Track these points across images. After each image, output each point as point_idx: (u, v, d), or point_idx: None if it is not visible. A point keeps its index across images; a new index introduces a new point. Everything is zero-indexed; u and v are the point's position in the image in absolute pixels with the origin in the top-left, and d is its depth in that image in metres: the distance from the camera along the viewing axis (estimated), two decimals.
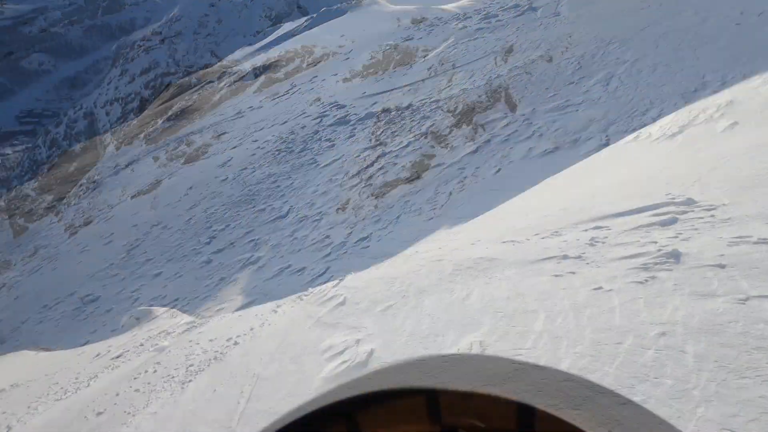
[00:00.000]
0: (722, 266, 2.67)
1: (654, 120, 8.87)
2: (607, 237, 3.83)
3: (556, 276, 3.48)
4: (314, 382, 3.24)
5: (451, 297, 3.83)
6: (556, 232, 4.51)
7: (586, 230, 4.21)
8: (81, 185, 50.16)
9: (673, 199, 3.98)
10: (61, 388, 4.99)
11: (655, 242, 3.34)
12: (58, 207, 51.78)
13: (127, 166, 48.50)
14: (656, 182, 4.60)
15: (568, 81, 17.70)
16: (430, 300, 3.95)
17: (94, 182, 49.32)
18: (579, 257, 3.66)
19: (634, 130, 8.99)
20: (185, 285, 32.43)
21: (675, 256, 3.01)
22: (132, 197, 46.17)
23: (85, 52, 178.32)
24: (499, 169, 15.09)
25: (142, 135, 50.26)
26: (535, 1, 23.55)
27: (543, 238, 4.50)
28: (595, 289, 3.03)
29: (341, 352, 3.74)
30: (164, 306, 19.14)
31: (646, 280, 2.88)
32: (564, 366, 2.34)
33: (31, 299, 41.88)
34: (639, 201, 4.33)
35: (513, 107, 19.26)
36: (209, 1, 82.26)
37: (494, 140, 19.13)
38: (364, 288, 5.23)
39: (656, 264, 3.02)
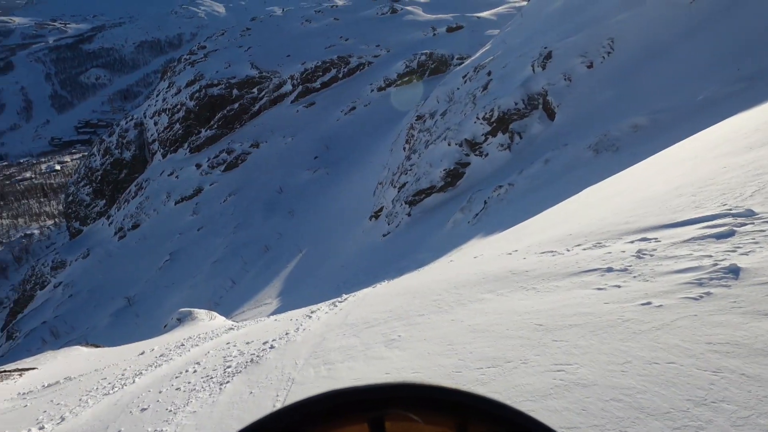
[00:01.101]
0: None
1: (709, 126, 8.37)
2: (655, 249, 3.63)
3: (600, 289, 3.33)
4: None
5: (485, 308, 3.74)
6: (599, 243, 4.32)
7: (632, 242, 4.01)
8: (130, 191, 53.13)
9: (730, 210, 3.72)
10: (109, 383, 5.26)
11: (710, 256, 3.13)
12: (109, 211, 55.02)
13: (171, 173, 50.97)
14: (710, 192, 4.33)
15: (611, 86, 17.07)
16: (463, 311, 3.87)
17: (141, 188, 52.11)
18: (625, 270, 3.49)
19: (685, 137, 8.52)
20: (224, 287, 33.50)
21: (733, 272, 2.81)
22: (176, 203, 48.39)
23: (136, 67, 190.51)
24: (537, 177, 14.70)
25: (186, 144, 52.74)
26: (573, 5, 22.96)
27: (585, 249, 4.32)
28: (643, 304, 2.87)
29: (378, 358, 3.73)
30: (204, 307, 19.82)
31: (701, 296, 2.70)
32: (612, 385, 2.22)
33: (84, 298, 44.51)
34: (691, 212, 4.08)
35: (551, 114, 18.77)
36: (250, 15, 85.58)
37: (531, 147, 18.69)
38: (391, 300, 5.20)
39: (712, 279, 2.83)
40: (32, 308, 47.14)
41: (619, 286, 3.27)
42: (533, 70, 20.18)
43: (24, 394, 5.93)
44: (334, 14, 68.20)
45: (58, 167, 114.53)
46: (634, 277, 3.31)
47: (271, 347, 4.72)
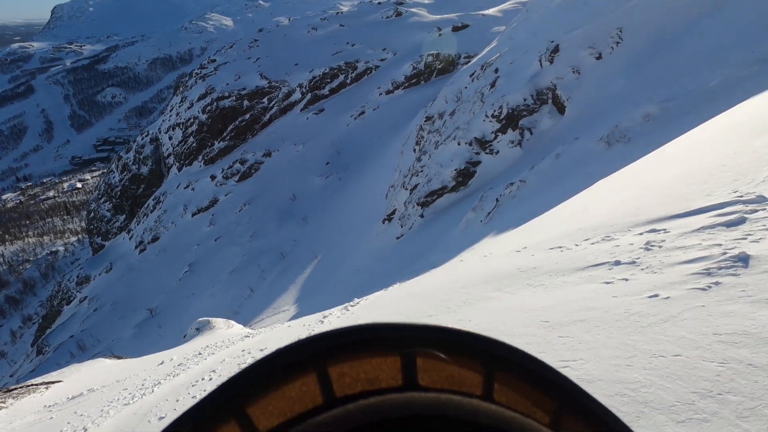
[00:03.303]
0: None
1: (721, 111, 8.16)
2: (664, 240, 3.56)
3: (607, 283, 3.28)
4: None
5: (492, 306, 3.71)
6: (608, 236, 4.26)
7: (640, 234, 3.94)
8: (148, 205, 54.38)
9: (741, 196, 3.63)
10: (129, 393, 5.40)
11: (720, 245, 3.05)
12: (130, 226, 56.36)
13: (187, 185, 51.98)
14: (721, 179, 4.23)
15: (621, 76, 16.78)
16: (471, 311, 3.85)
17: (159, 202, 53.27)
18: (633, 263, 3.43)
19: (698, 124, 8.32)
20: (243, 296, 33.94)
21: (742, 260, 2.74)
22: (193, 215, 49.30)
23: (150, 83, 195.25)
24: (548, 173, 14.52)
25: (200, 156, 53.76)
26: None
27: (593, 243, 4.26)
28: (650, 296, 2.82)
29: None
30: (223, 317, 20.09)
31: (710, 287, 2.64)
32: (616, 380, 2.19)
33: (108, 311, 45.60)
34: (701, 200, 3.99)
35: (561, 108, 18.54)
36: (258, 27, 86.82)
37: (542, 143, 18.49)
38: (401, 302, 5.21)
39: (721, 268, 2.76)
40: (60, 323, 48.51)
41: (626, 279, 3.22)
42: (541, 64, 19.98)
43: (50, 406, 6.13)
44: (339, 21, 68.73)
45: (79, 185, 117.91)
46: (642, 269, 3.26)
47: None
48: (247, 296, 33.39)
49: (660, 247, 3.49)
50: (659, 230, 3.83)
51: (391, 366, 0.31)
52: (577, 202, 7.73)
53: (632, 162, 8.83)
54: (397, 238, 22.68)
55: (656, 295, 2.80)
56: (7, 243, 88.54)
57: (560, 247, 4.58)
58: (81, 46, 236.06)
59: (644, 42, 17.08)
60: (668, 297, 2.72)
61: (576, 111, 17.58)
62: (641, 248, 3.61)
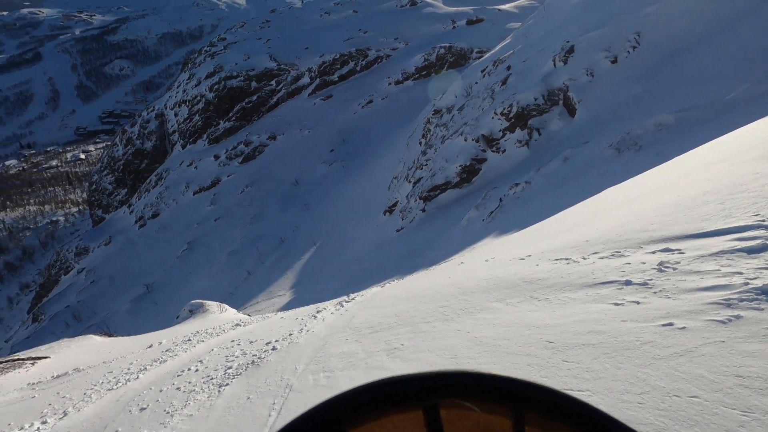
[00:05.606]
0: None
1: (738, 127, 7.92)
2: (679, 262, 3.37)
3: (617, 305, 3.11)
4: None
5: (493, 318, 3.55)
6: (618, 252, 4.07)
7: (653, 252, 3.76)
8: (150, 181, 54.19)
9: (763, 221, 3.44)
10: (114, 377, 5.28)
11: (741, 273, 2.87)
12: (131, 200, 56.27)
13: (191, 163, 51.72)
14: (741, 200, 4.03)
15: (635, 82, 16.43)
16: (470, 321, 3.69)
17: (161, 178, 53.07)
18: (644, 284, 3.25)
19: (712, 138, 8.08)
20: (240, 278, 33.91)
21: (766, 293, 2.56)
22: (194, 193, 49.15)
23: (159, 58, 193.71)
24: (555, 176, 14.28)
25: (205, 135, 53.41)
26: None
27: (602, 258, 4.08)
28: (664, 325, 2.65)
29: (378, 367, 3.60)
30: (219, 298, 20.04)
31: (729, 320, 2.46)
32: (626, 418, 2.03)
33: (105, 284, 45.71)
34: (719, 221, 3.79)
35: (572, 110, 18.22)
36: (270, 7, 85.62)
37: (550, 145, 18.20)
38: (398, 303, 5.05)
39: (742, 300, 2.58)
40: (57, 292, 48.75)
41: (638, 302, 3.04)
42: (554, 64, 19.60)
43: (34, 384, 6.04)
44: (353, 6, 67.75)
45: (82, 156, 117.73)
46: (655, 292, 3.08)
47: (274, 348, 4.64)
48: (244, 278, 33.38)
49: (674, 269, 3.30)
50: (674, 250, 3.64)
51: (414, 423, 0.30)
52: (585, 210, 7.53)
53: (643, 171, 8.60)
54: (398, 230, 22.52)
55: (670, 324, 2.63)
56: (8, 209, 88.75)
57: (567, 259, 4.40)
58: (91, 16, 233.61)
59: (662, 49, 16.69)
60: (684, 327, 2.55)
61: (587, 114, 17.26)
62: (654, 269, 3.43)
